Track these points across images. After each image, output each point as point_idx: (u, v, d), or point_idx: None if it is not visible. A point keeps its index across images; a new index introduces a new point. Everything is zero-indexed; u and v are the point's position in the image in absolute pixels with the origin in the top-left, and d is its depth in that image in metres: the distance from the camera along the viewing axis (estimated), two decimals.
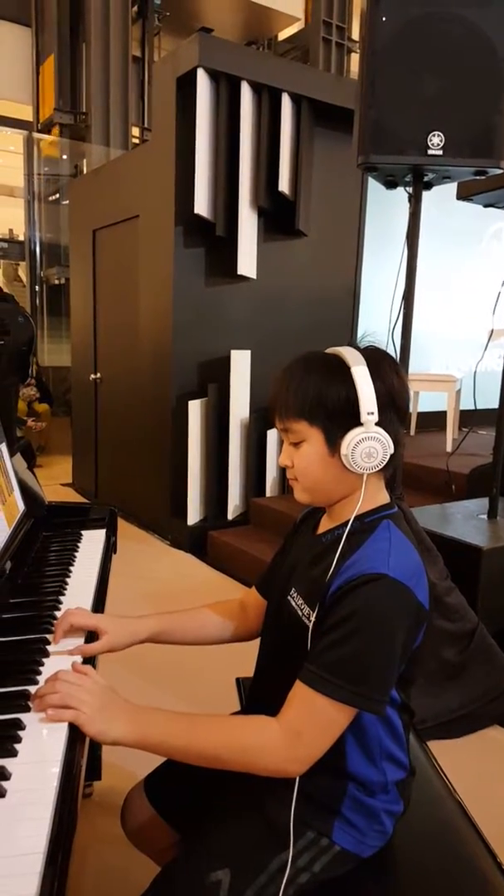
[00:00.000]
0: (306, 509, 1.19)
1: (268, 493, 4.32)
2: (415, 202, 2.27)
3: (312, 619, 0.97)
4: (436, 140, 2.05)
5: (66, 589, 1.32)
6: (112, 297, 4.81)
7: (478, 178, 2.23)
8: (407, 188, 2.30)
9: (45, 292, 7.91)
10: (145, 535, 4.42)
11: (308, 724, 0.92)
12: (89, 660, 1.07)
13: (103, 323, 4.97)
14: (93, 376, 5.04)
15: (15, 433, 1.74)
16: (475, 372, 3.25)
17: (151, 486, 4.40)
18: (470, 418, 4.40)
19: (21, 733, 0.86)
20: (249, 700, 1.24)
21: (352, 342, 1.03)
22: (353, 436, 0.95)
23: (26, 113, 8.23)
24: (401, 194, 2.35)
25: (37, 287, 7.87)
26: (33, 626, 1.14)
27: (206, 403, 4.05)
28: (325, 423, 0.98)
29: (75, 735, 0.87)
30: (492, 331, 3.19)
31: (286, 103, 3.88)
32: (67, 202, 6.32)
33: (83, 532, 1.66)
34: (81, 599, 1.26)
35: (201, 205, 3.74)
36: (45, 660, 1.04)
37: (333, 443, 0.98)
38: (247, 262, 3.99)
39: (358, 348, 1.01)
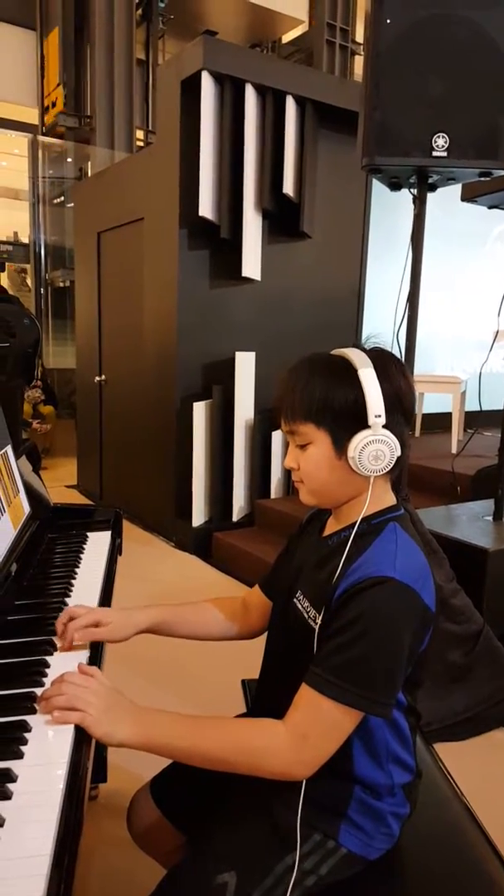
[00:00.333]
0: (312, 510, 1.19)
1: (272, 495, 4.32)
2: (419, 204, 2.27)
3: (318, 621, 0.96)
4: (440, 141, 2.05)
5: (71, 591, 1.32)
6: (117, 299, 4.81)
7: (482, 179, 2.23)
8: (411, 190, 2.30)
9: (50, 295, 7.93)
10: (150, 536, 4.43)
11: (314, 728, 0.91)
12: (95, 661, 1.07)
13: (108, 325, 4.98)
14: (97, 378, 5.05)
15: (20, 435, 1.75)
16: (480, 373, 3.25)
17: (156, 488, 4.40)
18: (475, 419, 4.39)
19: (27, 735, 0.86)
20: (255, 702, 1.24)
21: (357, 343, 1.03)
22: (360, 438, 0.95)
23: (31, 116, 8.26)
24: (405, 196, 2.35)
25: (42, 290, 7.89)
26: (39, 627, 1.15)
27: (210, 405, 4.06)
28: (331, 426, 0.97)
29: (81, 737, 0.87)
30: (497, 332, 3.19)
31: (290, 106, 3.88)
32: (72, 205, 6.33)
33: (88, 534, 1.66)
34: (87, 601, 1.26)
35: (206, 207, 3.75)
36: (50, 661, 1.04)
37: (340, 445, 0.97)
38: (251, 264, 3.99)
39: (364, 350, 1.00)
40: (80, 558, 1.50)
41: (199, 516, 4.13)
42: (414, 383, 1.03)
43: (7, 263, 8.02)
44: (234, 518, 4.21)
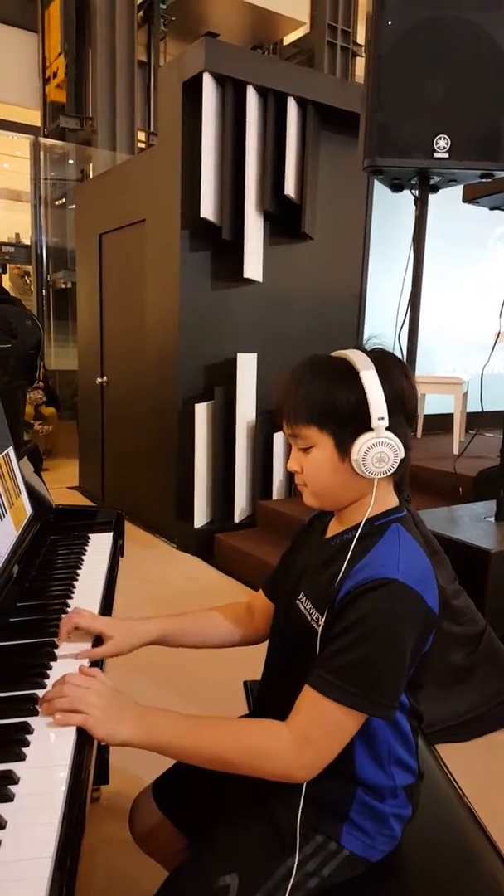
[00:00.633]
0: (314, 512, 1.18)
1: (274, 496, 4.32)
2: (421, 205, 2.27)
3: (321, 623, 0.96)
4: (442, 143, 2.05)
5: (73, 592, 1.32)
6: (118, 300, 4.82)
7: (484, 180, 2.23)
8: (413, 191, 2.30)
9: (52, 296, 7.93)
10: (152, 538, 4.43)
11: (317, 730, 0.91)
12: (97, 663, 1.07)
13: (110, 326, 4.98)
14: (99, 380, 5.05)
15: (22, 437, 1.75)
16: (482, 374, 3.25)
17: (158, 489, 4.40)
18: (477, 420, 4.39)
19: (29, 737, 0.86)
20: (257, 704, 1.24)
21: (359, 345, 1.02)
22: (363, 441, 0.95)
23: (33, 118, 8.27)
24: (406, 197, 2.35)
25: (43, 291, 7.89)
26: (41, 629, 1.14)
27: (212, 406, 4.06)
28: (334, 429, 0.97)
29: (83, 739, 0.87)
30: (498, 333, 3.18)
31: (292, 107, 3.89)
32: (74, 206, 6.34)
33: (90, 535, 1.66)
34: (89, 603, 1.26)
35: (207, 208, 3.75)
36: (52, 663, 1.04)
37: (343, 448, 0.97)
38: (253, 266, 3.99)
39: (365, 351, 1.00)
40: (82, 560, 1.50)
41: (200, 517, 4.13)
42: (416, 384, 1.02)
43: (11, 267, 8.02)
44: (236, 519, 4.21)
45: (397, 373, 0.98)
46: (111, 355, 4.98)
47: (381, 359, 0.98)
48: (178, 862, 1.06)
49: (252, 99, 3.78)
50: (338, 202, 4.34)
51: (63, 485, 5.70)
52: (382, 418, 0.94)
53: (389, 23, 2.04)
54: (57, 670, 1.02)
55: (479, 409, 3.55)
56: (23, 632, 1.14)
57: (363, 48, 2.49)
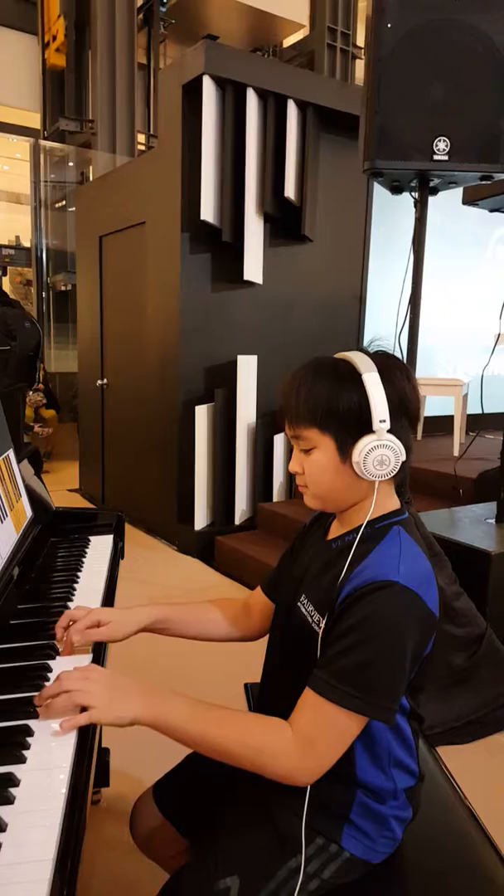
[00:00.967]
0: (315, 513, 1.18)
1: (275, 498, 4.32)
2: (420, 207, 2.27)
3: (322, 625, 0.96)
4: (441, 145, 2.05)
5: (73, 595, 1.32)
6: (119, 303, 4.82)
7: (484, 182, 2.23)
8: (413, 193, 2.30)
9: (52, 299, 7.94)
10: (152, 540, 4.43)
11: (319, 733, 0.91)
12: (98, 659, 1.07)
13: (110, 329, 4.98)
14: (99, 382, 5.05)
15: (22, 439, 1.75)
16: (482, 376, 3.25)
17: (158, 492, 4.40)
18: (477, 422, 4.39)
19: (30, 739, 0.86)
20: (257, 705, 1.24)
21: (361, 347, 1.02)
22: (364, 444, 0.95)
23: (33, 120, 8.28)
24: (407, 199, 2.35)
25: (43, 293, 7.90)
26: (41, 632, 1.15)
27: (213, 408, 4.06)
28: (336, 431, 0.97)
29: (84, 741, 0.87)
30: (498, 335, 3.18)
31: (292, 109, 3.89)
32: (74, 209, 6.35)
33: (90, 538, 1.66)
34: (89, 605, 1.26)
35: (207, 211, 3.75)
36: (53, 665, 1.04)
37: (345, 450, 0.97)
38: (253, 268, 4.00)
39: (368, 353, 1.00)
40: (83, 562, 1.50)
41: (201, 520, 4.13)
42: (419, 387, 1.02)
43: (15, 277, 8.01)
44: (237, 521, 4.21)
45: (400, 375, 0.98)
46: (111, 357, 4.99)
47: (383, 361, 0.98)
48: (179, 864, 1.06)
49: (252, 101, 3.79)
50: (338, 204, 4.35)
51: (63, 487, 5.70)
52: (384, 421, 0.94)
53: (389, 25, 2.04)
54: (57, 672, 1.02)
55: (480, 411, 3.55)
56: (23, 634, 1.14)
57: (363, 50, 2.49)
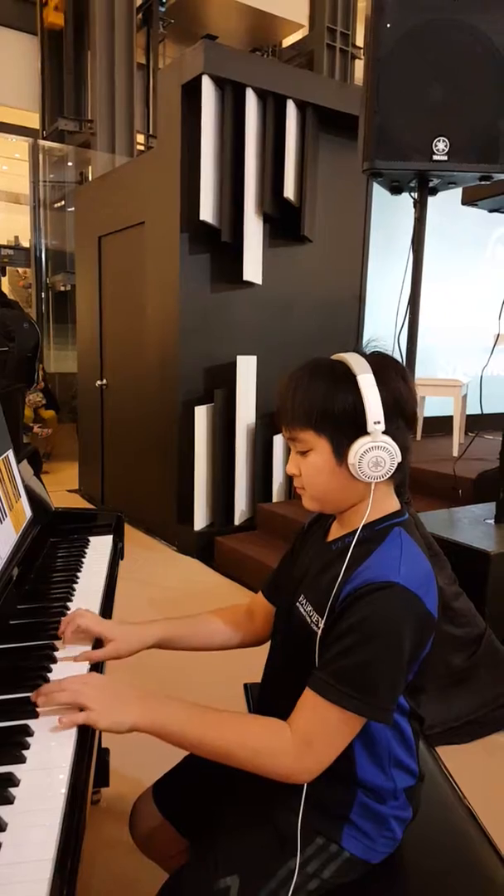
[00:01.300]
0: (314, 514, 1.18)
1: (274, 499, 4.32)
2: (420, 207, 2.28)
3: (321, 626, 0.96)
4: (441, 145, 2.05)
5: (73, 595, 1.33)
6: (118, 303, 4.82)
7: (483, 183, 2.23)
8: (412, 194, 2.30)
9: (51, 299, 7.94)
10: (152, 540, 4.43)
11: (318, 733, 0.91)
12: (97, 666, 1.07)
13: (109, 329, 4.98)
14: (99, 382, 5.05)
15: (21, 440, 1.75)
16: (481, 376, 3.25)
17: (158, 492, 4.40)
18: (476, 423, 4.40)
19: (29, 739, 0.86)
20: (258, 706, 1.24)
21: (358, 348, 1.02)
22: (359, 445, 0.94)
23: (32, 120, 8.28)
24: (406, 199, 2.36)
25: (42, 294, 7.90)
26: (40, 632, 1.15)
27: (212, 409, 4.06)
28: (331, 433, 0.97)
29: (83, 741, 0.87)
30: (497, 335, 3.18)
31: (291, 110, 3.89)
32: (73, 209, 6.35)
33: (90, 538, 1.67)
34: (88, 605, 1.26)
35: (207, 211, 3.75)
36: (52, 666, 1.04)
37: (340, 452, 0.97)
38: (252, 268, 4.00)
39: (364, 354, 1.00)
40: (82, 562, 1.50)
41: (200, 520, 4.13)
42: (415, 388, 1.02)
43: (18, 281, 8.01)
44: (236, 522, 4.21)
45: (395, 376, 0.98)
46: (111, 358, 4.99)
47: (379, 362, 0.98)
48: (179, 864, 1.06)
49: (251, 101, 3.79)
50: (337, 204, 4.35)
51: (63, 488, 5.70)
52: (378, 422, 0.94)
53: (388, 26, 2.04)
54: (57, 673, 1.02)
55: (479, 412, 3.56)
56: (23, 634, 1.14)
57: (362, 51, 2.49)
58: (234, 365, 4.04)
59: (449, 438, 4.49)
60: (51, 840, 0.70)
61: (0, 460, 1.36)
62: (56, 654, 1.08)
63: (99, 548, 1.61)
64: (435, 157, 2.06)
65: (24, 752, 0.83)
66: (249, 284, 4.05)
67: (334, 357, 1.01)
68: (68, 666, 1.04)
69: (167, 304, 4.05)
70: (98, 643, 1.12)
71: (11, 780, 0.78)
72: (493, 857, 1.06)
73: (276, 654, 1.16)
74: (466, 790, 1.23)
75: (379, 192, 2.65)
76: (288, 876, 0.95)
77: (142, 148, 8.26)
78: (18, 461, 1.51)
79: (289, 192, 3.94)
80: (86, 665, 1.05)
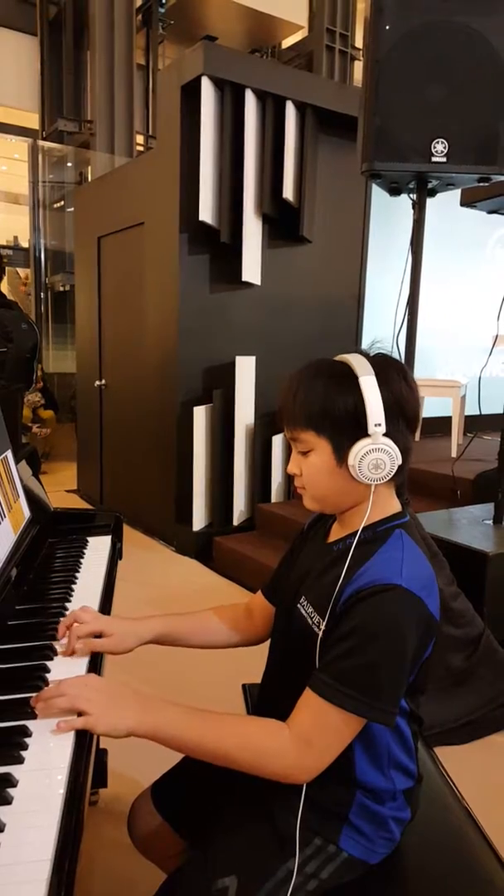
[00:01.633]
0: (314, 515, 1.18)
1: (273, 499, 4.32)
2: (419, 209, 2.28)
3: (322, 627, 0.96)
4: (439, 147, 2.05)
5: (71, 595, 1.32)
6: (117, 303, 4.82)
7: (481, 184, 2.23)
8: (411, 195, 2.30)
9: (50, 299, 7.94)
10: (150, 541, 4.42)
11: (318, 733, 0.91)
12: (95, 666, 1.07)
13: (108, 329, 4.98)
14: (98, 383, 5.05)
15: (20, 440, 1.75)
16: (480, 377, 3.25)
17: (157, 493, 4.40)
18: (475, 423, 4.40)
19: (28, 740, 0.86)
20: (257, 706, 1.24)
21: (361, 349, 1.02)
22: (360, 447, 0.95)
23: (31, 121, 8.29)
24: (405, 200, 2.36)
25: (42, 294, 7.90)
26: (39, 632, 1.14)
27: (211, 409, 4.06)
28: (332, 434, 0.97)
29: (82, 742, 0.87)
30: (496, 336, 3.19)
31: (290, 111, 3.90)
32: (72, 209, 6.35)
33: (89, 538, 1.66)
34: (87, 606, 1.26)
35: (206, 212, 3.76)
36: (51, 666, 1.04)
37: (341, 453, 0.97)
38: (251, 269, 4.00)
39: (367, 355, 1.00)
40: (81, 563, 1.50)
41: (199, 520, 4.13)
42: (418, 391, 1.02)
43: (20, 286, 8.01)
44: (235, 522, 4.21)
45: (397, 378, 0.97)
46: (110, 358, 4.99)
47: (381, 364, 0.98)
48: (177, 865, 1.06)
49: (250, 102, 3.79)
50: (336, 205, 4.35)
51: (61, 488, 5.70)
52: (379, 424, 0.94)
53: (387, 27, 2.04)
54: (55, 674, 1.02)
55: (478, 412, 3.56)
56: (21, 635, 1.14)
57: (361, 52, 2.49)
58: (233, 365, 4.04)
59: (448, 439, 4.49)
60: (49, 841, 0.70)
61: None
62: (55, 654, 1.08)
63: (98, 548, 1.61)
64: (434, 159, 2.07)
65: (23, 753, 0.83)
66: (248, 285, 4.06)
67: (337, 358, 1.01)
68: (67, 666, 1.04)
69: (166, 304, 4.05)
70: (94, 653, 1.12)
71: (10, 781, 0.78)
72: (491, 857, 1.07)
73: (277, 654, 1.16)
74: (464, 791, 1.23)
75: (378, 193, 2.65)
76: (286, 876, 0.95)
77: (141, 148, 8.26)
78: (17, 461, 1.51)
79: (288, 192, 3.95)
80: (84, 665, 1.05)
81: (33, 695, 0.94)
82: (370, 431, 0.94)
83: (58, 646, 1.10)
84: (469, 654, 2.32)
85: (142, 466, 4.56)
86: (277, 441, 4.23)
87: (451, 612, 2.30)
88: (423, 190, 2.25)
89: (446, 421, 4.55)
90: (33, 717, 0.90)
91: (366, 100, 2.10)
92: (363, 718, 0.91)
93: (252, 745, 0.93)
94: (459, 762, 2.07)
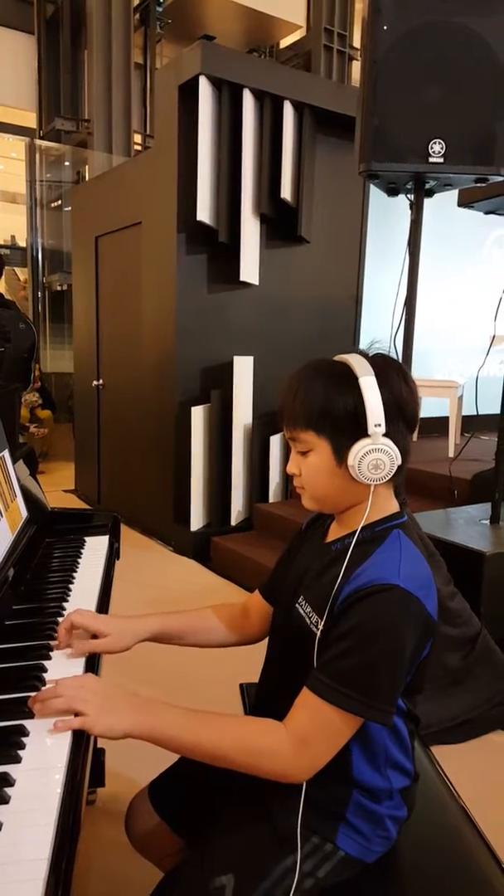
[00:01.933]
0: (312, 515, 1.19)
1: (271, 499, 4.33)
2: (416, 209, 2.28)
3: (320, 627, 0.97)
4: (437, 147, 2.05)
5: (69, 595, 1.33)
6: (115, 303, 4.82)
7: (479, 185, 2.24)
8: (408, 195, 2.31)
9: (48, 299, 7.93)
10: (148, 541, 4.42)
11: (315, 733, 0.92)
12: (92, 666, 1.07)
13: (106, 329, 4.98)
14: (95, 382, 5.05)
15: (17, 439, 1.75)
16: (477, 377, 3.26)
17: (154, 492, 4.40)
18: (472, 423, 4.40)
19: (25, 739, 0.86)
20: (255, 706, 1.24)
21: (361, 349, 1.02)
22: (359, 447, 0.95)
23: (29, 120, 8.28)
24: (403, 201, 2.36)
25: (39, 293, 7.89)
26: (36, 632, 1.15)
27: (209, 409, 4.06)
28: (332, 434, 0.97)
29: (79, 741, 0.87)
30: (493, 336, 3.19)
31: (288, 111, 3.90)
32: (70, 209, 6.35)
33: (86, 538, 1.66)
34: (84, 606, 1.26)
35: (204, 211, 3.75)
36: (48, 666, 1.04)
37: (340, 454, 0.97)
38: (249, 269, 4.00)
39: (366, 356, 1.00)
40: (78, 563, 1.50)
41: (197, 521, 4.13)
42: (417, 391, 1.02)
43: (19, 291, 7.99)
44: (233, 522, 4.21)
45: (397, 378, 0.98)
46: (107, 358, 4.98)
47: (381, 365, 0.98)
48: (175, 864, 1.06)
49: (248, 102, 3.79)
50: (334, 206, 4.35)
51: (59, 488, 5.69)
52: (379, 425, 0.94)
53: (385, 28, 2.04)
54: (53, 673, 1.02)
55: (475, 412, 3.56)
56: (19, 635, 1.14)
57: (359, 52, 2.50)
58: (230, 365, 4.04)
59: (445, 439, 4.50)
60: (46, 840, 0.70)
61: None
62: (52, 654, 1.08)
63: (95, 548, 1.61)
64: (431, 159, 2.07)
65: (20, 752, 0.84)
66: (246, 285, 4.06)
67: (337, 358, 1.01)
68: (64, 666, 1.04)
69: (164, 304, 4.05)
70: (91, 655, 1.12)
71: (7, 780, 0.78)
72: (487, 856, 1.07)
73: (274, 654, 1.16)
74: (461, 790, 1.23)
75: (376, 193, 2.65)
76: (283, 875, 0.95)
77: (139, 148, 8.26)
78: (14, 461, 1.51)
79: (286, 192, 3.95)
80: (81, 665, 1.05)
81: (31, 694, 0.94)
82: (370, 432, 0.94)
83: (56, 647, 1.10)
84: (466, 654, 2.32)
85: (139, 466, 4.56)
86: (275, 441, 4.23)
87: (447, 611, 2.30)
88: (420, 190, 2.26)
89: (443, 421, 4.56)
90: (31, 716, 0.90)
91: (363, 100, 2.10)
92: (361, 718, 0.91)
93: (248, 745, 0.93)
94: (456, 761, 2.08)
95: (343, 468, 0.97)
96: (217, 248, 3.92)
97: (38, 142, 7.94)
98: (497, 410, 2.86)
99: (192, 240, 3.89)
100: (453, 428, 4.44)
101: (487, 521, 2.88)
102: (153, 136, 6.44)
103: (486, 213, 3.05)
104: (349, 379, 0.96)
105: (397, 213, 2.87)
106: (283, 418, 1.02)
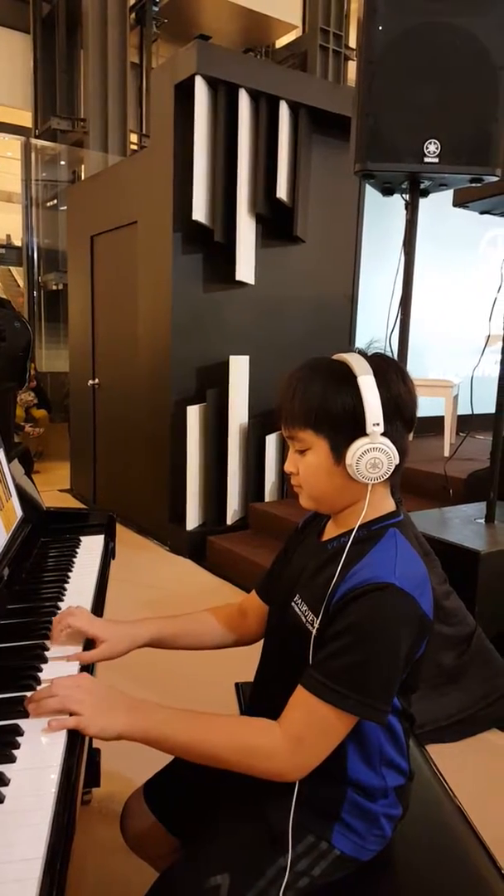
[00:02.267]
0: (308, 514, 1.19)
1: (267, 498, 4.33)
2: (411, 209, 2.28)
3: (316, 625, 0.97)
4: (432, 147, 2.06)
5: (64, 595, 1.32)
6: (110, 302, 4.81)
7: (474, 185, 2.24)
8: (404, 195, 2.31)
9: (43, 298, 7.92)
10: (144, 540, 4.42)
11: (309, 731, 0.92)
12: (88, 666, 1.07)
13: (101, 328, 4.97)
14: (91, 382, 5.04)
15: (12, 439, 1.75)
16: (472, 377, 3.26)
17: (150, 492, 4.39)
18: (467, 423, 4.40)
19: (20, 739, 0.86)
20: (250, 704, 1.24)
21: (359, 349, 1.02)
22: (357, 447, 0.95)
23: (25, 119, 8.26)
24: (398, 201, 2.36)
25: (34, 293, 7.87)
26: (31, 632, 1.14)
27: (204, 409, 4.06)
28: (330, 433, 0.97)
29: (74, 741, 0.87)
30: (488, 336, 3.20)
31: (284, 110, 3.90)
32: (65, 208, 6.34)
33: (81, 538, 1.66)
34: (80, 605, 1.26)
35: (199, 211, 3.75)
36: (43, 665, 1.04)
37: (338, 453, 0.97)
38: (245, 268, 4.00)
39: (365, 355, 1.00)
40: (73, 562, 1.50)
41: (193, 520, 4.13)
42: (415, 391, 1.02)
43: (18, 297, 7.97)
44: (229, 521, 4.21)
45: (395, 378, 0.98)
46: (103, 357, 4.98)
47: (379, 364, 0.98)
48: (170, 864, 1.06)
49: (244, 102, 3.79)
50: (330, 205, 4.36)
51: (54, 487, 5.69)
52: (377, 424, 0.94)
53: (380, 28, 2.04)
54: (47, 673, 1.02)
55: (470, 412, 3.56)
56: (13, 634, 1.14)
57: (355, 52, 2.50)
58: (226, 364, 4.04)
59: (440, 438, 4.50)
60: (41, 839, 0.70)
61: None
62: (47, 653, 1.08)
63: (90, 548, 1.61)
64: (426, 160, 2.07)
65: (15, 752, 0.83)
66: (242, 284, 4.06)
67: (335, 357, 1.01)
68: (59, 665, 1.04)
69: (160, 303, 4.05)
70: (89, 643, 1.12)
71: (1, 780, 0.78)
72: (481, 854, 1.07)
73: (270, 653, 1.16)
74: (456, 788, 1.23)
75: (371, 193, 2.66)
76: (278, 874, 0.96)
77: (135, 147, 8.25)
78: (9, 460, 1.51)
79: (281, 192, 3.95)
80: (76, 665, 1.05)
81: (25, 694, 0.94)
82: (368, 431, 0.94)
83: (50, 645, 1.10)
84: (461, 653, 2.32)
85: (135, 466, 4.55)
86: (271, 440, 4.23)
87: (442, 610, 2.31)
88: (415, 190, 2.26)
89: (439, 420, 4.56)
90: (25, 715, 0.90)
91: (359, 100, 2.11)
92: (356, 716, 0.91)
93: (242, 745, 0.93)
94: (451, 759, 2.08)
95: (341, 467, 0.97)
96: (213, 247, 3.92)
97: (33, 141, 7.92)
98: (492, 410, 2.86)
99: (187, 239, 3.89)
100: (448, 427, 4.45)
101: (482, 521, 2.88)
102: (149, 135, 6.43)
103: (482, 213, 3.06)
104: (348, 378, 0.96)
105: (392, 213, 2.88)
106: (282, 417, 1.02)
